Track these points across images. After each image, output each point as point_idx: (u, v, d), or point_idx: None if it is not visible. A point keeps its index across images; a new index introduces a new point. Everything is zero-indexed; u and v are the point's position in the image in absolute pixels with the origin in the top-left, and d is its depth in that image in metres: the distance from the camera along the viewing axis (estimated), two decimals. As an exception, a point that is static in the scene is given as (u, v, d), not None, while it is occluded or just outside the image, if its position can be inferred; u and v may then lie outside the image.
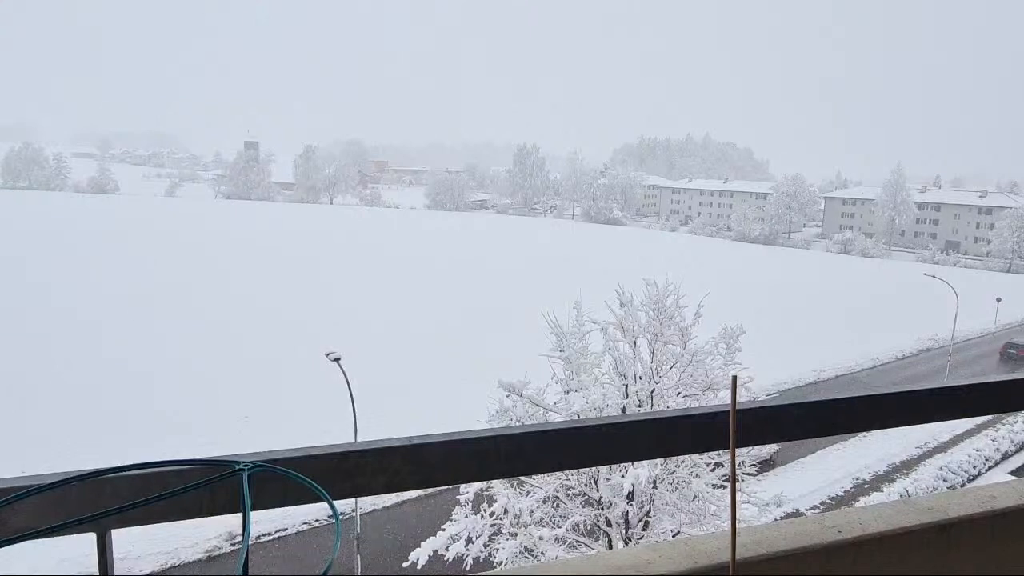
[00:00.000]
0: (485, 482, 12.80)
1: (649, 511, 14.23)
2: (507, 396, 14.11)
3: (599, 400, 13.84)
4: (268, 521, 19.42)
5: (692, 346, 14.90)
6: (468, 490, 13.80)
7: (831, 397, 1.47)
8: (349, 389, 17.78)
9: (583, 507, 13.98)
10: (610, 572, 1.25)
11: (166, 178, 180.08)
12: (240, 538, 0.83)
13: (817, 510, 22.34)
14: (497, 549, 13.46)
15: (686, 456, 13.39)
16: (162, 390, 29.92)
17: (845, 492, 24.50)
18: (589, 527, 14.35)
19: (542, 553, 13.30)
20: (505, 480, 13.35)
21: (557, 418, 13.83)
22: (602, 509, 13.89)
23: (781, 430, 1.47)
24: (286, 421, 26.44)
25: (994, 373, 38.31)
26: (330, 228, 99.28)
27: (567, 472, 13.39)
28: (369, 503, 20.43)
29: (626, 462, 10.53)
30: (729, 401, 1.25)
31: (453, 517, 13.96)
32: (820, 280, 73.82)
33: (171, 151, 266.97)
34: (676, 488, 14.16)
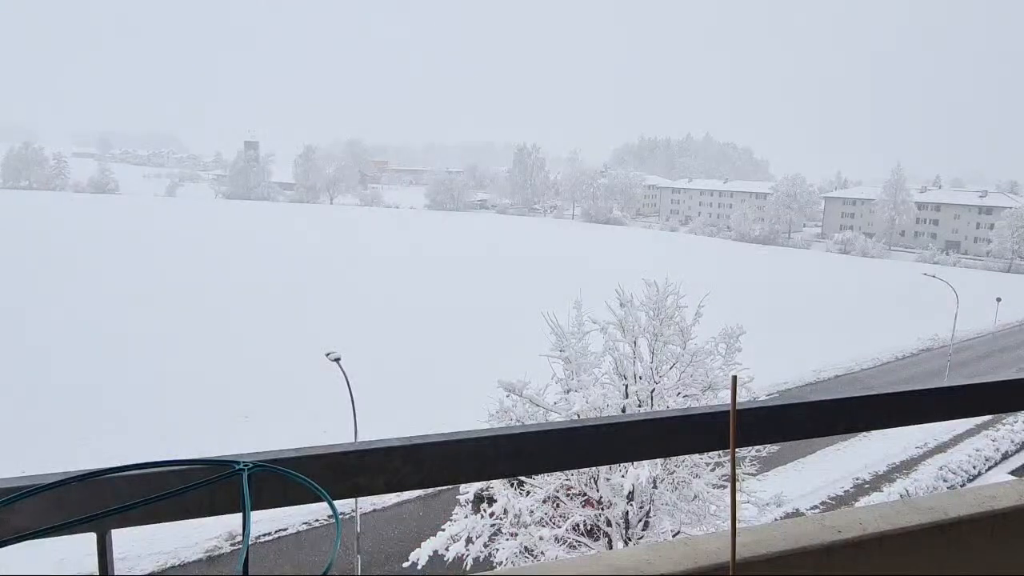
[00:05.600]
0: (485, 482, 12.80)
1: (649, 511, 14.23)
2: (507, 396, 14.11)
3: (599, 400, 13.83)
4: (268, 521, 19.43)
5: (692, 346, 14.90)
6: (468, 490, 13.80)
7: (831, 397, 1.47)
8: (349, 389, 17.79)
9: (583, 507, 13.98)
10: (610, 572, 1.25)
11: (166, 178, 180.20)
12: (240, 538, 0.83)
13: (817, 510, 22.34)
14: (497, 549, 13.47)
15: (686, 456, 13.40)
16: (162, 390, 29.91)
17: (845, 492, 24.50)
18: (589, 527, 14.35)
19: (542, 553, 13.30)
20: (505, 480, 13.35)
21: (557, 418, 13.83)
22: (602, 509, 13.89)
23: (781, 430, 1.47)
24: (286, 421, 26.43)
25: (993, 373, 38.29)
26: (330, 228, 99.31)
27: (567, 472, 13.39)
28: (369, 503, 20.43)
29: (626, 462, 10.53)
30: (729, 401, 1.25)
31: (453, 517, 13.97)
32: (820, 280, 73.82)
33: (171, 151, 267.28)
34: (676, 488, 14.16)
